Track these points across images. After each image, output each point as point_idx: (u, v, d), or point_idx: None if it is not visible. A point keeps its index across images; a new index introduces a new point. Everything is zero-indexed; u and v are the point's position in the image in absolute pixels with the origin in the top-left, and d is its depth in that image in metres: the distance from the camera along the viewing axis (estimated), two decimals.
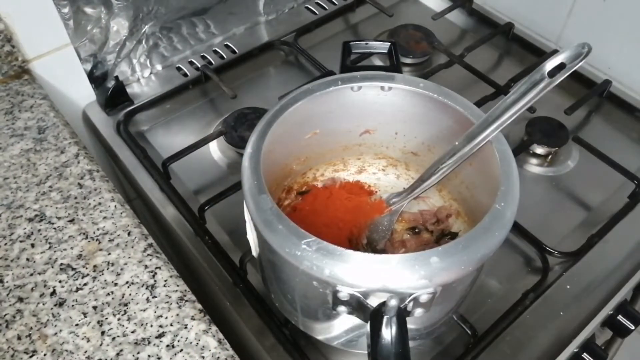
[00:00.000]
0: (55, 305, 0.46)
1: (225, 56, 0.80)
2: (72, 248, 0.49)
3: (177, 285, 0.47)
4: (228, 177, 0.66)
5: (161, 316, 0.45)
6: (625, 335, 0.61)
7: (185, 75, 0.77)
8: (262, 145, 0.44)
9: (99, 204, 0.53)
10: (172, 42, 0.77)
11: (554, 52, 0.76)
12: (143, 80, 0.77)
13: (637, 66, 0.75)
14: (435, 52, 0.81)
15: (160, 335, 0.44)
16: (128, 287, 0.47)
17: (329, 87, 0.48)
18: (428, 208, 0.55)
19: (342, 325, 0.44)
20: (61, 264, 0.48)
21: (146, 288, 0.47)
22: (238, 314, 0.54)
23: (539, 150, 0.68)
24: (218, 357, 0.43)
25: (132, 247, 0.50)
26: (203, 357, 0.43)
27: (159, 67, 0.78)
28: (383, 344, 0.36)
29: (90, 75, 0.71)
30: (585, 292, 0.55)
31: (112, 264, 0.48)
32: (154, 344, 0.43)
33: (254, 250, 0.47)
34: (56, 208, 0.52)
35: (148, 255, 0.49)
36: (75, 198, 0.53)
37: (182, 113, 0.74)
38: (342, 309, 0.39)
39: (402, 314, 0.36)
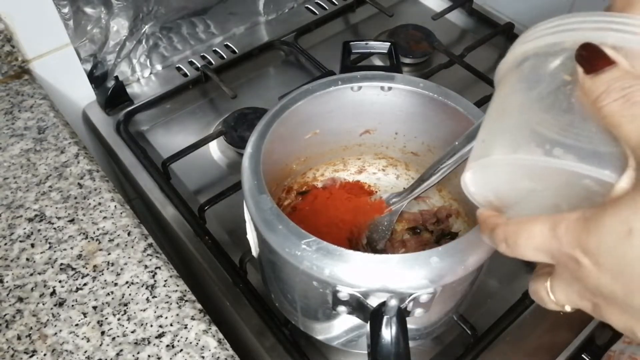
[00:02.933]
0: (55, 305, 0.46)
1: (225, 56, 0.80)
2: (72, 248, 0.49)
3: (177, 285, 0.47)
4: (228, 177, 0.66)
5: (161, 316, 0.45)
6: None
7: (185, 75, 0.77)
8: (262, 145, 0.44)
9: (99, 204, 0.53)
10: (172, 42, 0.77)
11: None
12: (143, 80, 0.77)
13: None
14: (435, 52, 0.80)
15: (160, 335, 0.44)
16: (128, 287, 0.47)
17: (329, 87, 0.48)
18: (428, 208, 0.55)
19: (342, 325, 0.44)
20: (61, 264, 0.48)
21: (146, 288, 0.47)
22: (238, 314, 0.53)
23: None
24: (218, 357, 0.43)
25: (132, 247, 0.50)
26: (203, 357, 0.43)
27: (159, 67, 0.78)
28: (383, 344, 0.36)
29: (90, 75, 0.71)
30: None
31: (112, 264, 0.48)
32: (154, 344, 0.43)
33: (254, 250, 0.47)
34: (56, 208, 0.52)
35: (148, 255, 0.49)
36: (75, 198, 0.53)
37: (182, 113, 0.74)
38: (342, 309, 0.39)
39: (402, 314, 0.36)
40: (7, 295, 0.46)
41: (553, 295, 0.28)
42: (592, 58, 0.25)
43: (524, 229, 0.27)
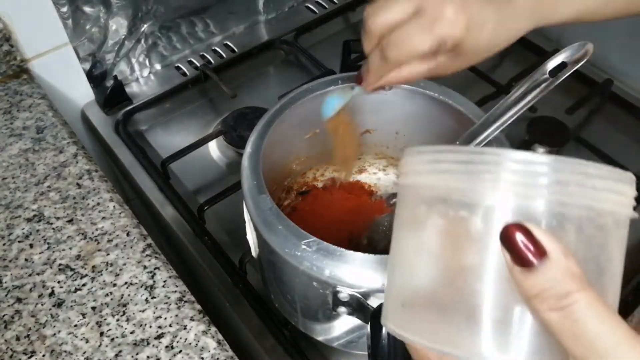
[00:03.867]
0: (54, 305, 0.45)
1: (224, 55, 0.79)
2: (70, 248, 0.49)
3: (176, 286, 0.47)
4: (227, 177, 0.66)
5: (160, 317, 0.45)
6: None
7: (184, 74, 0.77)
8: (261, 145, 0.44)
9: (98, 204, 0.53)
10: (171, 41, 0.77)
11: (556, 51, 0.76)
12: (142, 79, 0.77)
13: (639, 65, 0.74)
14: None
15: (159, 336, 0.44)
16: (127, 287, 0.47)
17: (329, 87, 0.48)
18: None
19: (342, 326, 0.43)
20: (60, 265, 0.48)
21: (145, 289, 0.47)
22: (238, 314, 0.53)
23: (540, 150, 0.68)
24: (217, 358, 0.43)
25: (131, 247, 0.49)
26: (202, 358, 0.43)
27: (158, 66, 0.78)
28: (383, 345, 0.35)
29: (89, 75, 0.71)
30: None
31: (111, 265, 0.48)
32: (153, 345, 0.43)
33: (254, 251, 0.47)
34: (55, 208, 0.52)
35: (147, 255, 0.49)
36: (74, 198, 0.53)
37: (182, 113, 0.74)
38: (342, 309, 0.39)
39: None
40: (6, 295, 0.46)
41: None
42: (519, 245, 0.21)
43: None
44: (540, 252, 0.21)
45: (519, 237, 0.21)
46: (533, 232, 0.21)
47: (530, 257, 0.21)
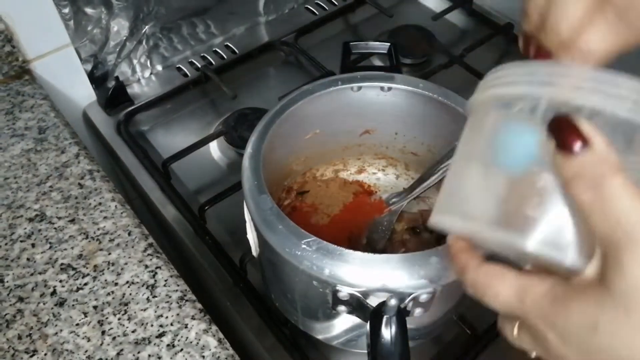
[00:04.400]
0: (55, 305, 0.46)
1: (225, 56, 0.80)
2: (72, 248, 0.50)
3: (178, 285, 0.47)
4: (228, 177, 0.66)
5: (161, 316, 0.45)
6: None
7: (185, 75, 0.77)
8: (262, 146, 0.44)
9: (100, 204, 0.53)
10: (173, 42, 0.77)
11: None
12: (143, 80, 0.77)
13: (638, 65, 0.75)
14: (435, 53, 0.81)
15: (160, 335, 0.44)
16: (128, 286, 0.47)
17: (329, 88, 0.48)
18: (428, 208, 0.55)
19: (342, 325, 0.44)
20: (61, 264, 0.48)
21: (146, 288, 0.47)
22: (238, 313, 0.54)
23: None
24: (218, 357, 0.43)
25: (133, 246, 0.50)
26: (203, 356, 0.43)
27: (159, 67, 0.78)
28: (383, 343, 0.36)
29: (91, 76, 0.71)
30: None
31: (113, 264, 0.48)
32: (155, 344, 0.43)
33: (254, 251, 0.47)
34: (57, 208, 0.52)
35: (148, 255, 0.49)
36: (76, 198, 0.53)
37: (183, 113, 0.74)
38: (342, 308, 0.39)
39: (401, 314, 0.36)
40: (8, 295, 0.46)
41: (519, 341, 0.28)
42: (565, 133, 0.23)
43: (492, 285, 0.27)
44: (584, 140, 0.22)
45: (566, 125, 0.23)
46: (580, 124, 0.23)
47: (573, 142, 0.22)
